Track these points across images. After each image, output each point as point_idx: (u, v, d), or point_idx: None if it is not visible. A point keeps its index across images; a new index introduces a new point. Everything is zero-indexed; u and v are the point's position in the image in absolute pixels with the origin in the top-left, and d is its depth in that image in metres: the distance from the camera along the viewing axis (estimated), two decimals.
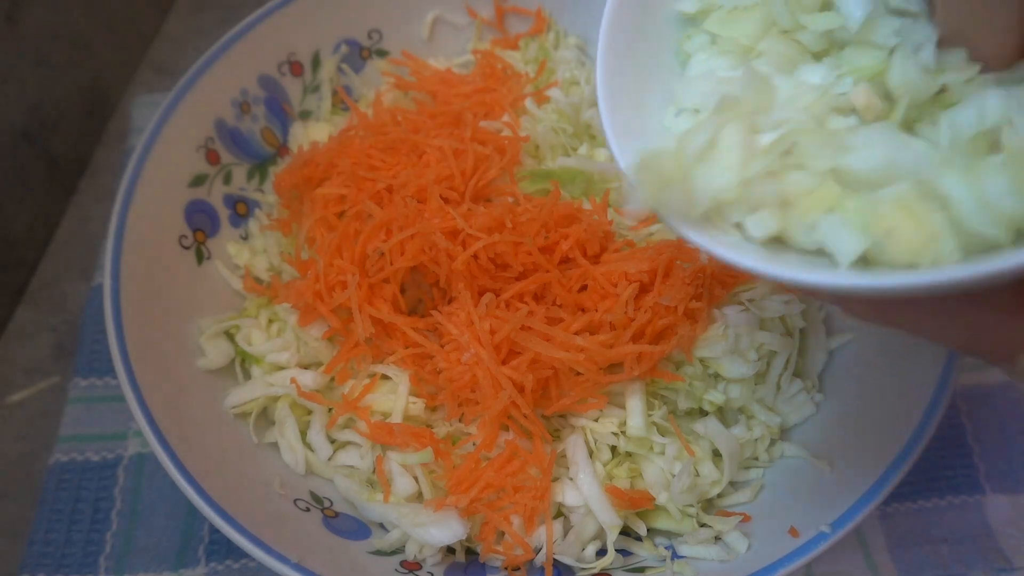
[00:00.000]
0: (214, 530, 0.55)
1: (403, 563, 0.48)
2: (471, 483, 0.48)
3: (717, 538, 0.49)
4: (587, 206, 0.56)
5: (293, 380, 0.54)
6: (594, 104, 0.63)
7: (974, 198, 0.26)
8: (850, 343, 0.56)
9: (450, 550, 0.50)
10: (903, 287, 0.26)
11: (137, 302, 0.51)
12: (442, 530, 0.47)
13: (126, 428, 0.61)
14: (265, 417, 0.55)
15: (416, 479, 0.50)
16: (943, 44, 0.30)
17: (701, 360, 0.53)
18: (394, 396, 0.51)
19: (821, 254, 0.29)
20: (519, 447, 0.49)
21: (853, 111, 0.31)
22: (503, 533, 0.49)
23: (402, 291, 0.53)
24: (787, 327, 0.55)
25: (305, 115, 0.65)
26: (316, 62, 0.65)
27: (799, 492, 0.51)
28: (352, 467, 0.52)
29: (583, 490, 0.50)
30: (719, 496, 0.52)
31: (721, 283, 0.53)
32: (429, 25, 0.68)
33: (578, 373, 0.50)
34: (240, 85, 0.61)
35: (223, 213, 0.60)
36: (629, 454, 0.51)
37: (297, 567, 0.43)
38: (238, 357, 0.56)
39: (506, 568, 0.49)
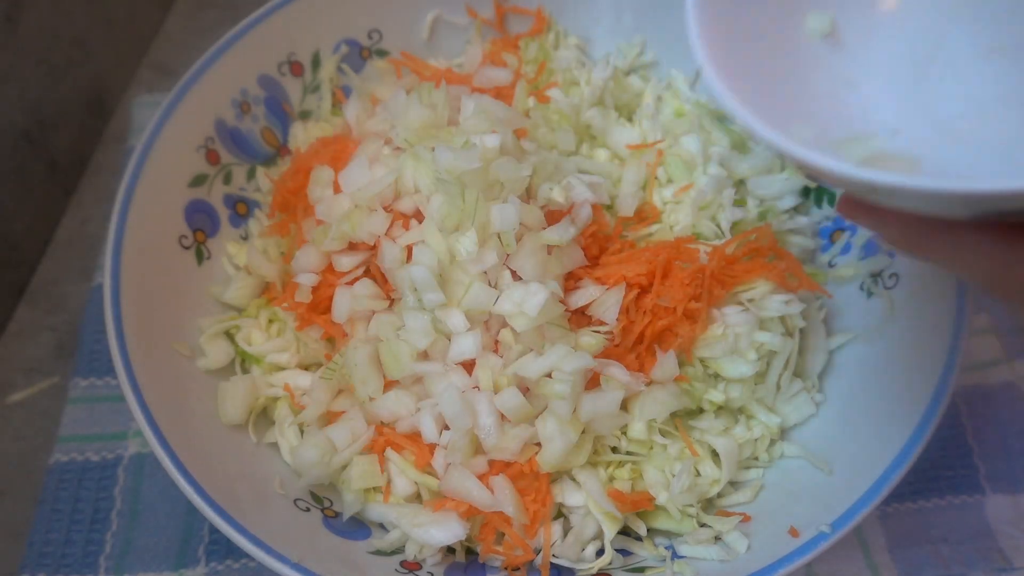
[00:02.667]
0: (214, 530, 0.55)
1: (403, 563, 0.48)
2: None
3: (717, 538, 0.49)
4: None
5: (287, 387, 0.54)
6: (594, 104, 0.63)
7: None
8: (850, 343, 0.56)
9: (450, 550, 0.50)
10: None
11: (137, 302, 0.51)
12: (442, 530, 0.47)
13: (126, 428, 0.61)
14: (265, 417, 0.55)
15: (415, 482, 0.50)
16: None
17: (701, 360, 0.53)
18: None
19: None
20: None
21: None
22: (503, 533, 0.49)
23: None
24: (787, 327, 0.55)
25: (305, 115, 0.65)
26: (316, 62, 0.65)
27: (799, 492, 0.51)
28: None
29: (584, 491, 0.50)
30: (719, 496, 0.52)
31: (720, 283, 0.53)
32: (429, 25, 0.68)
33: None
34: (240, 85, 0.61)
35: (223, 213, 0.60)
36: (630, 453, 0.51)
37: (297, 567, 0.43)
38: (238, 357, 0.56)
39: (506, 568, 0.49)
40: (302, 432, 0.53)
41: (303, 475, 0.50)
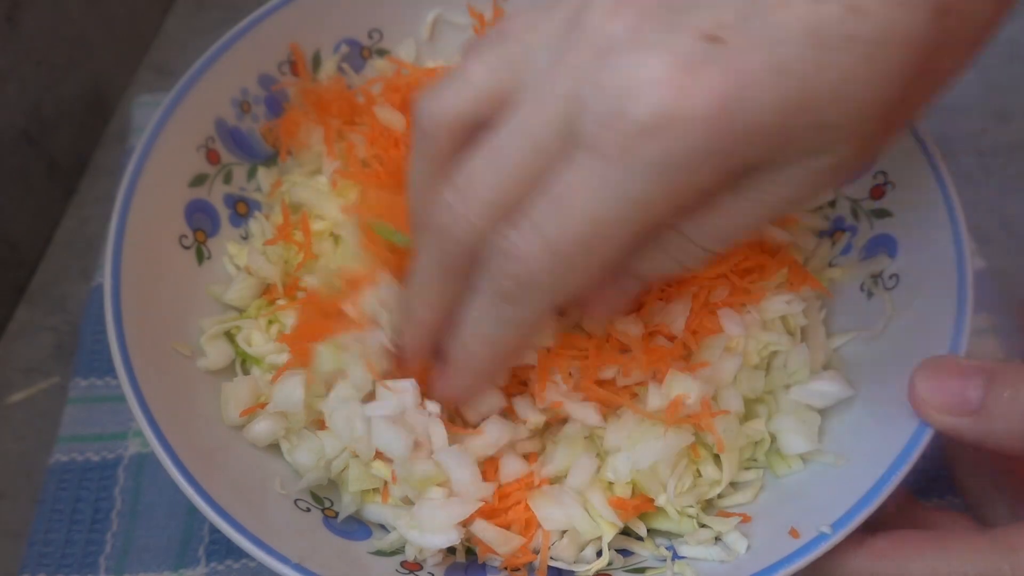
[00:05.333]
0: (214, 530, 0.55)
1: (403, 563, 0.48)
2: None
3: (717, 538, 0.49)
4: None
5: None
6: None
7: None
8: (850, 343, 0.56)
9: (451, 550, 0.50)
10: None
11: (137, 302, 0.51)
12: (438, 534, 0.47)
13: (126, 428, 0.61)
14: None
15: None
16: None
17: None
18: None
19: None
20: None
21: None
22: None
23: None
24: (788, 327, 0.55)
25: None
26: (316, 62, 0.65)
27: (799, 492, 0.51)
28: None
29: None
30: (719, 496, 0.52)
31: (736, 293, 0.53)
32: (430, 25, 0.68)
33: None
34: (240, 85, 0.61)
35: (223, 213, 0.60)
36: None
37: (297, 567, 0.43)
38: (238, 358, 0.56)
39: (505, 568, 0.49)
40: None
41: (304, 478, 0.50)
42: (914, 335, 0.51)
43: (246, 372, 0.56)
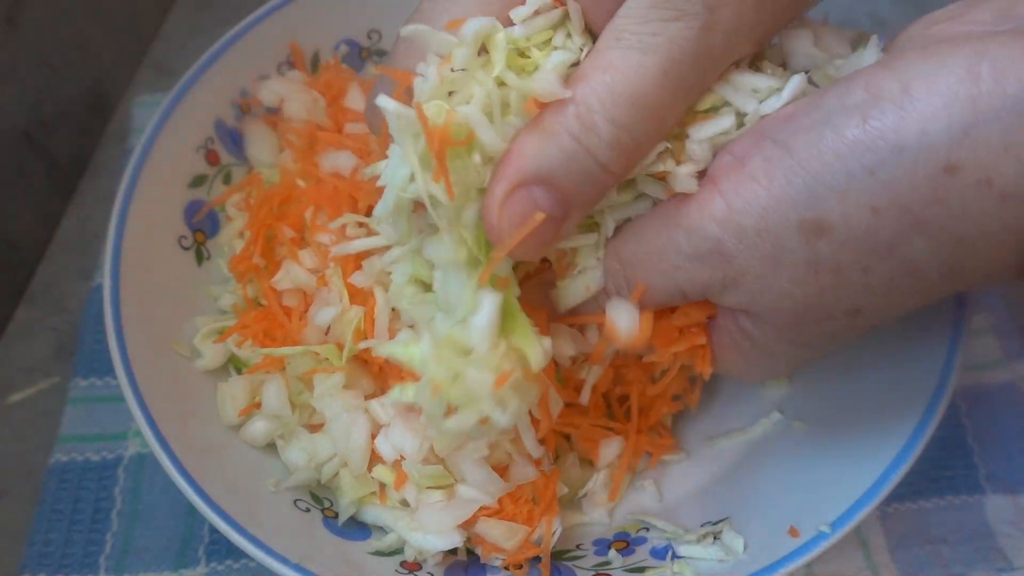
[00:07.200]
0: (214, 530, 0.55)
1: (403, 563, 0.48)
2: None
3: (716, 537, 0.49)
4: None
5: None
6: None
7: None
8: (848, 342, 0.55)
9: (452, 550, 0.50)
10: None
11: (137, 302, 0.51)
12: (439, 537, 0.47)
13: (126, 428, 0.61)
14: None
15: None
16: None
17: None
18: None
19: None
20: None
21: None
22: None
23: None
24: None
25: None
26: (316, 62, 0.65)
27: (799, 492, 0.51)
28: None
29: None
30: None
31: None
32: None
33: None
34: (240, 85, 0.61)
35: (223, 214, 0.60)
36: None
37: (297, 567, 0.43)
38: (230, 362, 0.56)
39: (507, 567, 0.49)
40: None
41: (293, 476, 0.50)
42: (914, 334, 0.51)
43: (239, 372, 0.56)
